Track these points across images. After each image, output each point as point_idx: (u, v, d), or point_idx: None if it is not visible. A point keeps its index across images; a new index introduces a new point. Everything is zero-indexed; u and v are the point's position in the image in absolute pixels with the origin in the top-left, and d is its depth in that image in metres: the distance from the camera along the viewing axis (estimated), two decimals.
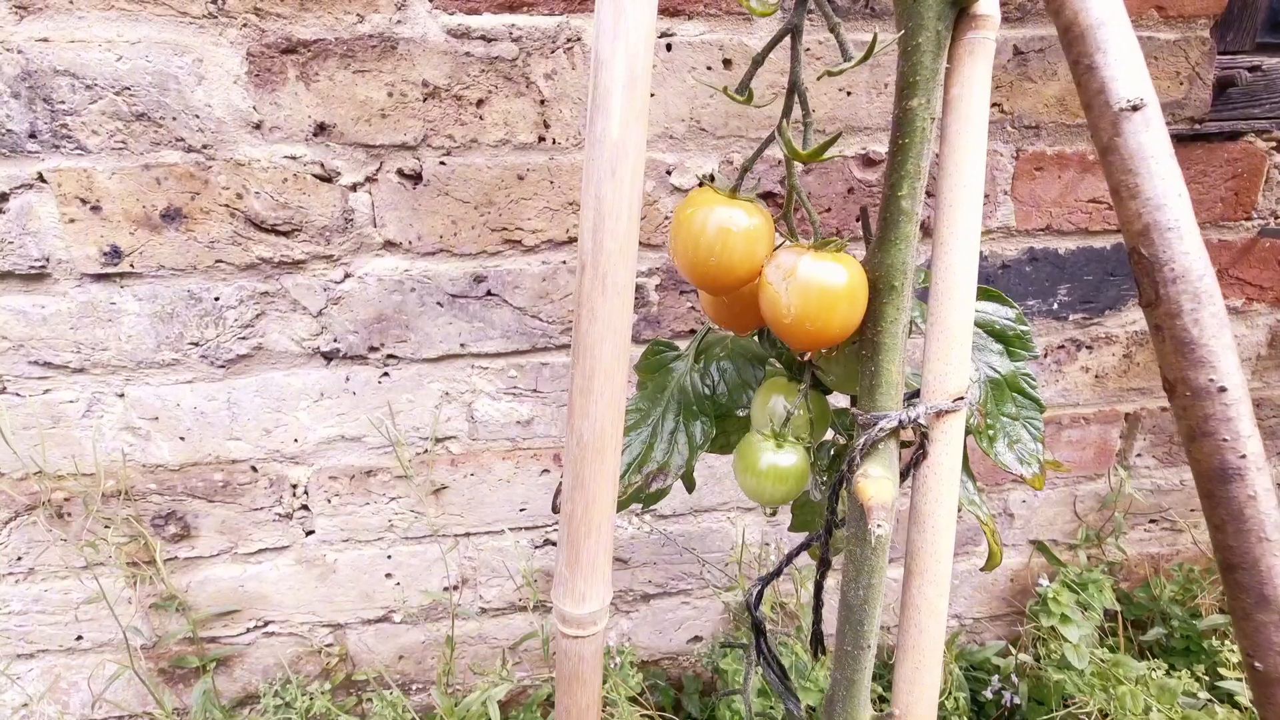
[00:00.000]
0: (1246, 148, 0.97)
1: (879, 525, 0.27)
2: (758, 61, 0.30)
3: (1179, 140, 0.95)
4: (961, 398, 0.32)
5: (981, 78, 0.31)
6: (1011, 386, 0.42)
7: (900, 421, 0.32)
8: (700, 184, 0.32)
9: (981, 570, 0.56)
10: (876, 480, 0.30)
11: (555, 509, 0.45)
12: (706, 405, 0.44)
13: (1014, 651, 1.00)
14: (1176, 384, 0.29)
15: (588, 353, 0.28)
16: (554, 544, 1.03)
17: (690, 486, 0.48)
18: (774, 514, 0.40)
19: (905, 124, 0.31)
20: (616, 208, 0.27)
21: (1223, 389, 0.29)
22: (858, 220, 0.92)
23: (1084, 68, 0.29)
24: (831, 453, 0.41)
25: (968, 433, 0.40)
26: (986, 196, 0.94)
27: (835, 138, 0.28)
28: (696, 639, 1.11)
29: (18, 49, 0.72)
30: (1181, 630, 1.08)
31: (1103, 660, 0.86)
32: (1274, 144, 0.98)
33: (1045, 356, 1.04)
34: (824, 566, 0.36)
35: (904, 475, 0.34)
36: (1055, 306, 1.01)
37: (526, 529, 1.00)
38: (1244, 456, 0.29)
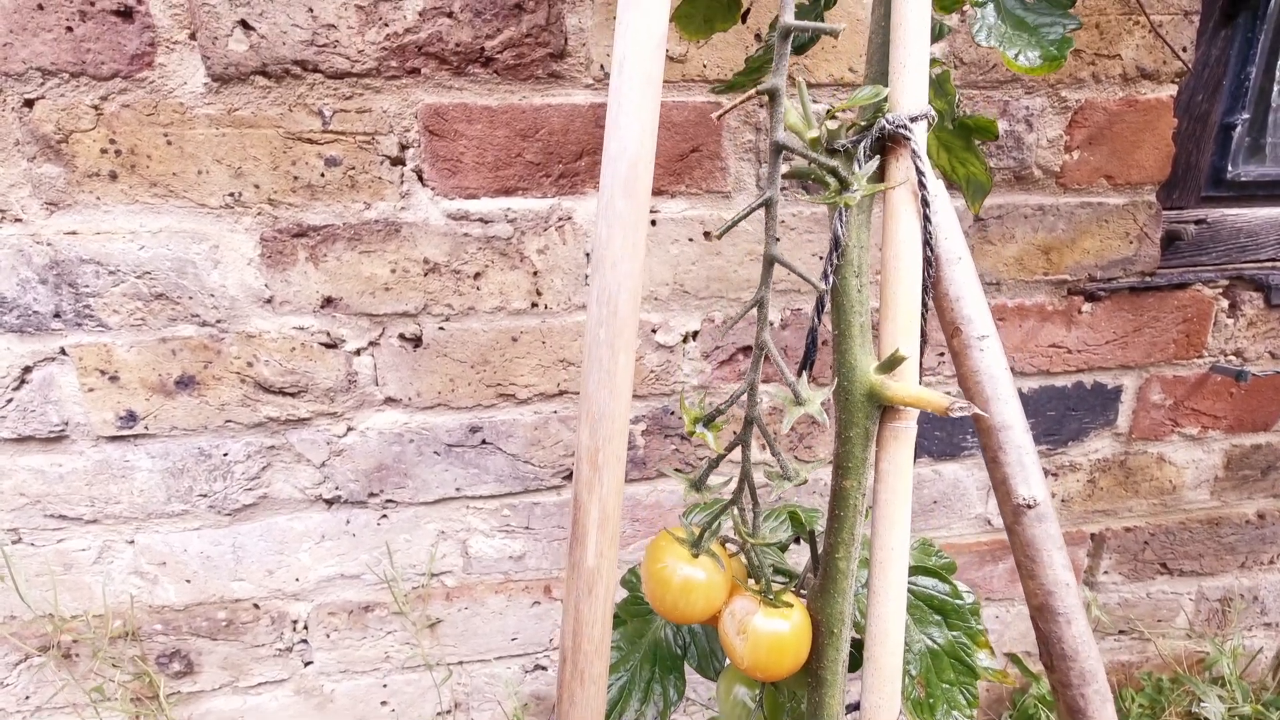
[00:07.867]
0: (1195, 295, 1.04)
1: None
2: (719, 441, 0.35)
3: (1132, 291, 1.02)
4: None
5: (904, 459, 0.37)
6: (950, 654, 0.47)
7: None
8: (662, 530, 0.37)
9: None
10: None
11: None
12: (679, 664, 0.49)
13: None
14: None
15: None
16: (544, 668, 1.06)
17: None
18: None
19: (840, 500, 0.36)
20: (591, 620, 0.32)
21: None
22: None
23: (991, 457, 0.35)
24: None
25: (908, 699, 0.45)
26: None
27: (786, 544, 0.33)
28: None
29: (47, 241, 0.78)
30: None
31: None
32: (1220, 290, 1.05)
33: None
34: None
35: None
36: None
37: (517, 656, 1.04)
38: None
